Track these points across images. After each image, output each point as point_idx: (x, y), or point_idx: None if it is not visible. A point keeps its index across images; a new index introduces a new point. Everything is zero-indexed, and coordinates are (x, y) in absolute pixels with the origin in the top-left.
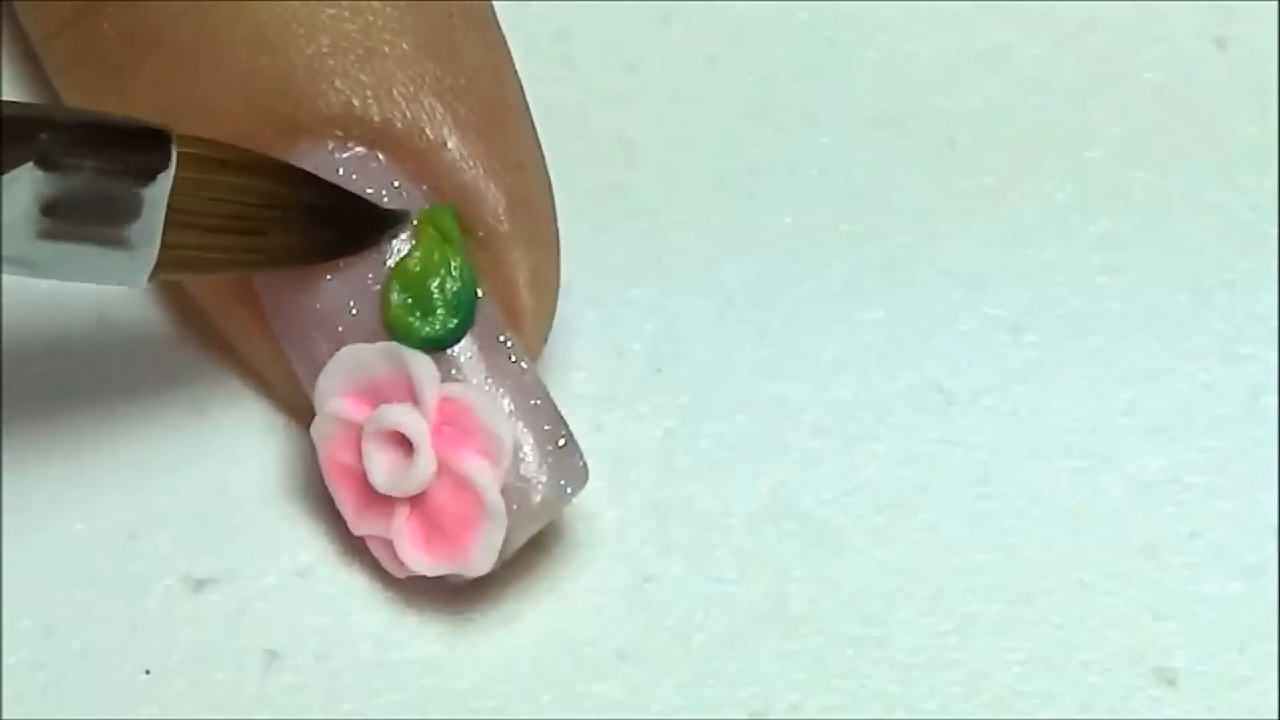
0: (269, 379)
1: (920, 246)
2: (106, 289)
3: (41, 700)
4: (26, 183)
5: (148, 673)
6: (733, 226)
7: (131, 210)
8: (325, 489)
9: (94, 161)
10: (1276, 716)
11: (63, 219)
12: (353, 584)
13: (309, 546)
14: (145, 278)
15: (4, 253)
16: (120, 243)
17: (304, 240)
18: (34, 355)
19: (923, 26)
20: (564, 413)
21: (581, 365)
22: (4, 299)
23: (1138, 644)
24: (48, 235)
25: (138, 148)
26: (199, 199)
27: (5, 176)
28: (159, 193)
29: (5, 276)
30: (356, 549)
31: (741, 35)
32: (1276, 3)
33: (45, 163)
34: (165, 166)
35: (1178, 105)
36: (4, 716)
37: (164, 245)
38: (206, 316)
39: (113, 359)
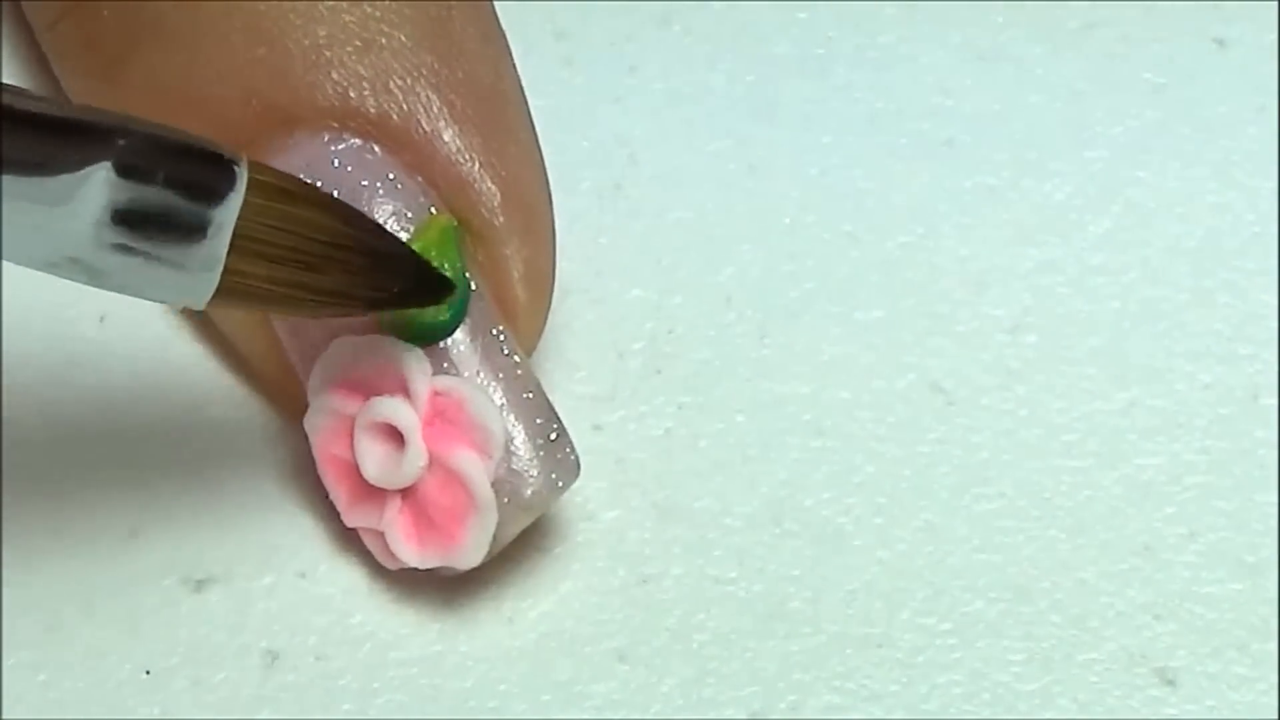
0: (265, 372)
1: (920, 246)
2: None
3: (41, 700)
4: (101, 185)
5: (148, 673)
6: (733, 226)
7: (198, 230)
8: (324, 487)
9: (166, 172)
10: (1276, 716)
11: (132, 229)
12: (353, 584)
13: (309, 546)
14: (204, 301)
15: (69, 254)
16: (184, 263)
17: (362, 285)
18: (34, 355)
19: (923, 26)
20: (563, 412)
21: (581, 365)
22: (4, 299)
23: (1138, 644)
24: (116, 244)
25: (209, 166)
26: (264, 227)
27: (82, 172)
28: (227, 215)
29: (6, 277)
30: (356, 548)
31: (741, 35)
32: (1276, 3)
33: (121, 168)
34: (234, 188)
35: (1178, 105)
36: (4, 716)
37: (227, 270)
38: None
39: (113, 359)
